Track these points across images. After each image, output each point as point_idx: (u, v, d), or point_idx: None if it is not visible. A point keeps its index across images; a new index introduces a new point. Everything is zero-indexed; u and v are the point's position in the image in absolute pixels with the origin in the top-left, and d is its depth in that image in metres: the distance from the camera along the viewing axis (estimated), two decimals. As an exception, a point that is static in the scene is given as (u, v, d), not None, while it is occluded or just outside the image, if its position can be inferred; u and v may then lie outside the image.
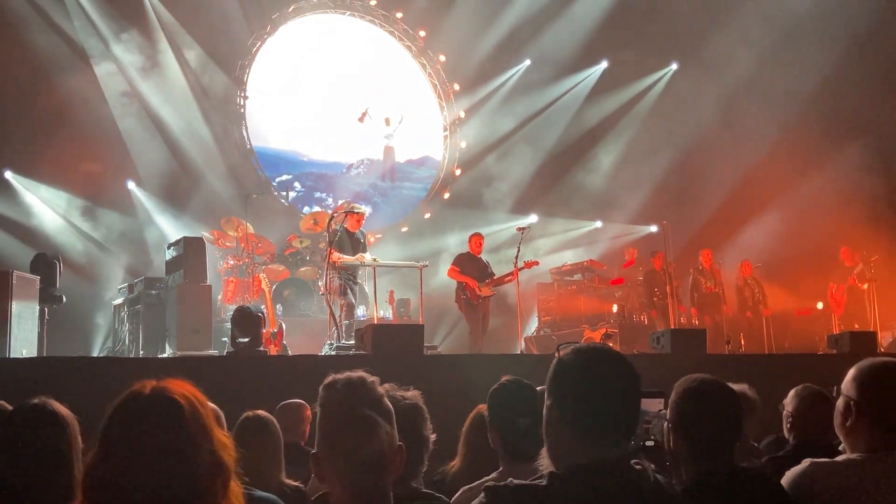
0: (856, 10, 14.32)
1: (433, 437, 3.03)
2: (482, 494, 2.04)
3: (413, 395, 3.01)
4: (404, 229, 16.71)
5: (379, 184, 17.15)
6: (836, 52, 14.82)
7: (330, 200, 15.99)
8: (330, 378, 2.16)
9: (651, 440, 2.95)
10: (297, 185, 16.14)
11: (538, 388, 2.71)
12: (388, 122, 17.38)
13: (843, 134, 15.24)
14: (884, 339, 11.14)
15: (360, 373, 2.18)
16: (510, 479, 2.07)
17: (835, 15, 14.38)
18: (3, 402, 3.70)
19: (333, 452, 2.05)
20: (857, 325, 12.82)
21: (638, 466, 2.07)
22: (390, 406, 2.18)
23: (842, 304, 13.80)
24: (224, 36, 14.89)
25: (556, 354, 2.19)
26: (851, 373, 2.87)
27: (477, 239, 11.67)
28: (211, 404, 2.13)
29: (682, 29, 16.35)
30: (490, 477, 3.19)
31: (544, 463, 2.13)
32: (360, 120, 16.99)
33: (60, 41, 13.34)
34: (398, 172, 17.55)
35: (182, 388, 1.84)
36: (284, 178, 16.14)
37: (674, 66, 17.17)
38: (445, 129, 17.70)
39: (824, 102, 15.17)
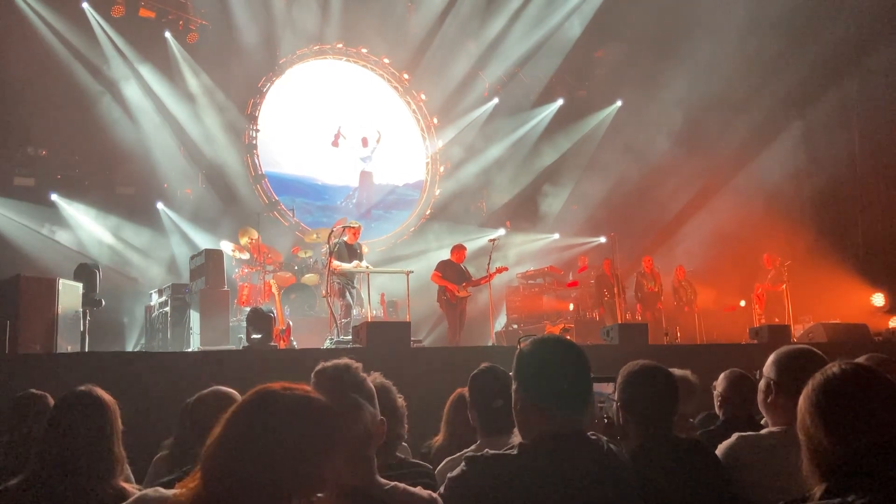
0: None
1: (404, 403, 3.00)
2: (463, 463, 2.05)
3: (376, 375, 2.97)
4: (394, 241, 16.69)
5: (371, 211, 16.86)
6: (754, 77, 15.02)
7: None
8: (320, 366, 2.16)
9: (605, 418, 2.97)
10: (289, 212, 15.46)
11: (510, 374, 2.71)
12: (364, 142, 16.86)
13: (762, 159, 15.40)
14: (796, 331, 11.20)
15: (345, 360, 2.17)
16: (486, 449, 2.09)
17: (752, 38, 14.53)
18: (46, 394, 3.68)
19: None
20: (777, 320, 12.91)
21: (593, 437, 2.09)
22: (371, 387, 2.19)
23: (763, 302, 13.92)
24: (239, 78, 14.86)
25: (518, 345, 2.22)
26: (771, 358, 2.91)
27: (460, 251, 11.65)
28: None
29: (625, 72, 16.47)
30: (469, 449, 3.20)
31: (516, 438, 2.15)
32: (335, 143, 16.40)
33: (100, 81, 13.30)
34: (396, 196, 17.34)
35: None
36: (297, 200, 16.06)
37: (618, 103, 17.29)
38: (427, 157, 17.72)
39: (745, 130, 15.33)
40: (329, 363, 2.17)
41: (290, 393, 1.68)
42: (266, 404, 1.65)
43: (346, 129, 16.65)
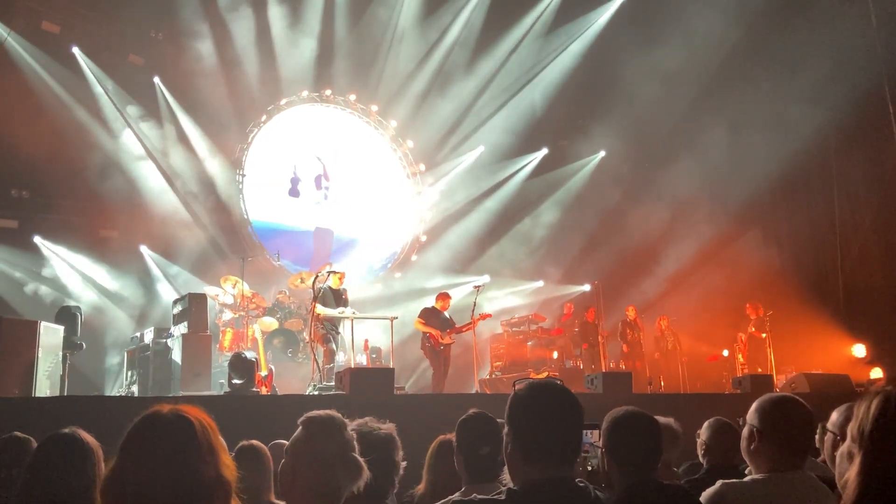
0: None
1: (404, 463, 3.01)
2: (450, 507, 2.05)
3: (389, 427, 2.99)
4: (378, 286, 16.66)
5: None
6: (735, 136, 15.29)
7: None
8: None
9: (590, 466, 2.97)
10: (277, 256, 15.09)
11: (498, 421, 2.72)
12: (318, 183, 16.70)
13: (744, 210, 15.61)
14: (779, 382, 11.26)
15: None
16: (474, 494, 2.08)
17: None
18: (31, 438, 3.61)
19: None
20: (759, 369, 12.94)
21: (581, 484, 2.09)
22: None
23: (745, 352, 13.96)
24: (226, 125, 14.94)
25: (513, 389, 2.21)
26: (754, 406, 2.93)
27: (445, 298, 11.66)
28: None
29: (608, 122, 16.70)
30: (453, 496, 3.16)
31: (506, 481, 2.14)
32: (293, 192, 16.07)
33: (87, 122, 13.31)
34: (378, 242, 17.33)
35: (196, 413, 1.84)
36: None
37: (602, 153, 17.48)
38: (412, 203, 17.79)
39: (727, 182, 15.53)
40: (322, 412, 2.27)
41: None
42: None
43: (300, 169, 16.51)
